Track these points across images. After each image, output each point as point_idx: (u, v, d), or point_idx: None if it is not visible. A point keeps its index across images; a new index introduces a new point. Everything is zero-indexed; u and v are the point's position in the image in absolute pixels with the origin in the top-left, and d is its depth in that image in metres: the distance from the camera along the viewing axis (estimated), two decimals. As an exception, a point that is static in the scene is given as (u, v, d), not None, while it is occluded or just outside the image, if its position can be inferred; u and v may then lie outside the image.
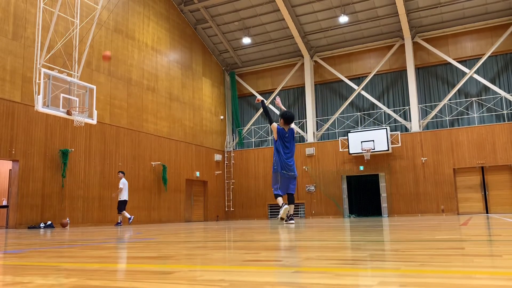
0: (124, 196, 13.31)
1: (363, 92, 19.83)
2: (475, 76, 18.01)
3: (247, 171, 21.05)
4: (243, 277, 1.50)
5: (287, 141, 7.93)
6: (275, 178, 7.91)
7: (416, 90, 18.69)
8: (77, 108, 11.25)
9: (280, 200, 7.76)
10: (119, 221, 13.25)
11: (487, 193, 17.12)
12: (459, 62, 18.54)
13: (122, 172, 13.70)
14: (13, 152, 11.83)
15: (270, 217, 20.25)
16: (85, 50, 12.40)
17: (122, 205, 13.29)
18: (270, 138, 21.60)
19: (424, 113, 18.85)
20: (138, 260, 2.18)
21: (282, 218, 7.53)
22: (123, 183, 13.36)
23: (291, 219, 7.58)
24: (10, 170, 13.12)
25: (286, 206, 7.46)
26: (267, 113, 8.12)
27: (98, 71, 14.79)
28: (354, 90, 20.01)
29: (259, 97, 8.81)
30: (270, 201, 20.32)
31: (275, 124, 8.02)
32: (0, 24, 11.92)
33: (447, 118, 18.40)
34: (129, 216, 13.29)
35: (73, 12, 12.61)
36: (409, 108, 18.81)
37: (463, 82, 18.21)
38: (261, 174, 20.66)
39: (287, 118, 7.97)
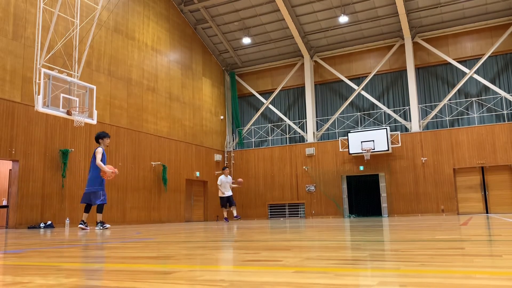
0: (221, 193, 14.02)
1: (363, 92, 19.83)
2: (475, 76, 18.01)
3: (247, 171, 21.04)
4: (243, 277, 1.50)
5: (105, 160, 8.79)
6: (101, 195, 8.68)
7: (416, 90, 18.68)
8: (77, 108, 11.25)
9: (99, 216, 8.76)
10: (228, 217, 14.35)
11: (487, 193, 17.12)
12: (459, 62, 18.53)
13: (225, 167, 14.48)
14: (13, 152, 11.83)
15: (270, 217, 20.25)
16: (85, 50, 12.41)
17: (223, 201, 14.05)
18: (270, 138, 21.61)
19: (424, 113, 18.85)
20: (138, 260, 2.18)
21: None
22: (220, 179, 14.07)
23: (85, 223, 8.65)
24: (10, 170, 13.12)
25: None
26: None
27: (98, 71, 14.79)
28: (354, 90, 20.01)
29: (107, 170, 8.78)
30: (270, 201, 20.33)
31: (99, 149, 8.73)
32: (0, 24, 11.92)
33: (447, 118, 18.39)
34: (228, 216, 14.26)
35: (73, 12, 12.62)
36: (409, 108, 18.81)
37: (463, 82, 18.20)
38: (261, 174, 20.66)
39: (103, 137, 8.98)
